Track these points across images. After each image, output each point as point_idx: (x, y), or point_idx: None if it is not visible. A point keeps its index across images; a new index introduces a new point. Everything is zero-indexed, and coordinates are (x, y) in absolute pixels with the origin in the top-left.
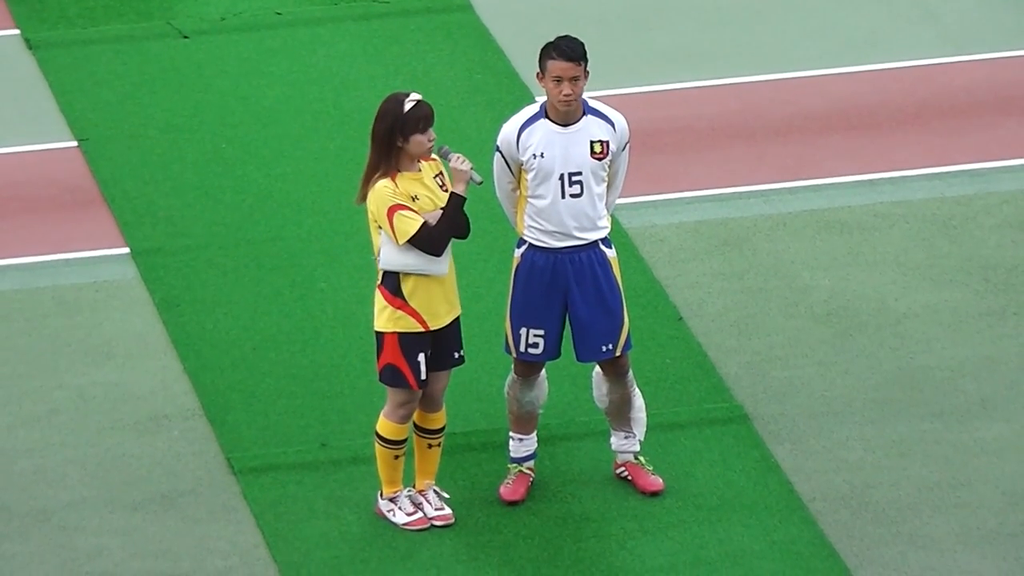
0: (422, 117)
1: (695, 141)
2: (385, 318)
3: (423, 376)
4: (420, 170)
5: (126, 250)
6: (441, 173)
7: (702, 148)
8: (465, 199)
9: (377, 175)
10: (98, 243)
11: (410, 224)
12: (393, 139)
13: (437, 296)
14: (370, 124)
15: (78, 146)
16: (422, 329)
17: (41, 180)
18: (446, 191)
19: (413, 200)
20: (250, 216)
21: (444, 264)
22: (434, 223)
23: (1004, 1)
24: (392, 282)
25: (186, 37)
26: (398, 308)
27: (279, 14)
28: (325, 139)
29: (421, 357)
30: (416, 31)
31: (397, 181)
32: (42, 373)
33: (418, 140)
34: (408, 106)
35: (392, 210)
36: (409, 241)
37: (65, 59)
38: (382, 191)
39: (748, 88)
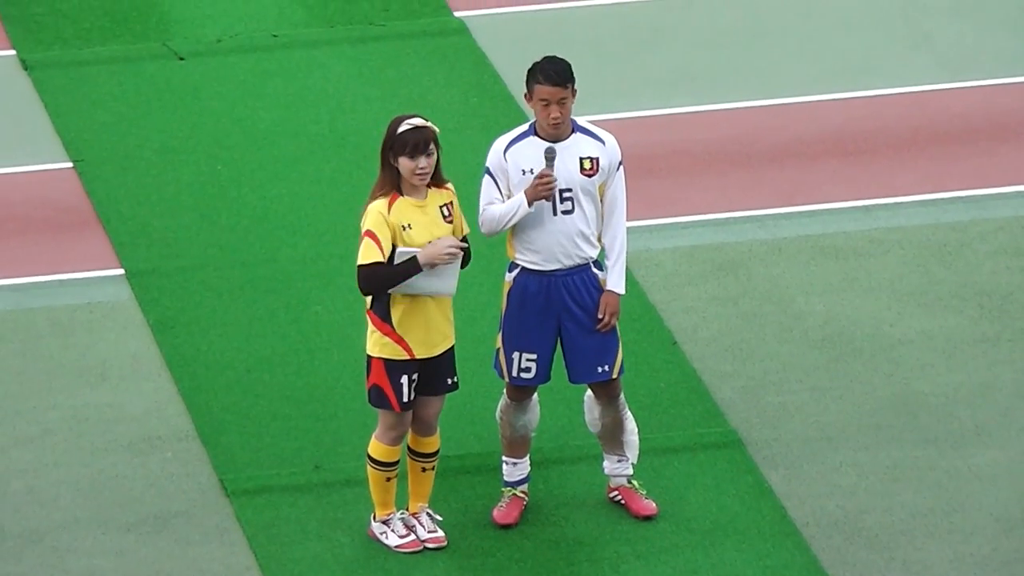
0: (411, 142)
1: (691, 166)
2: (373, 342)
3: (405, 398)
4: (426, 197)
5: (121, 271)
6: (449, 204)
7: (697, 173)
8: (420, 271)
9: (378, 194)
10: (93, 264)
11: (368, 255)
12: (388, 160)
13: (425, 325)
14: (365, 146)
15: (73, 167)
16: (407, 357)
17: (36, 201)
18: (450, 222)
19: (403, 229)
20: (245, 238)
21: (451, 283)
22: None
23: (1000, 28)
24: (381, 307)
25: (182, 59)
26: (385, 334)
27: (275, 36)
28: (321, 161)
29: (404, 379)
30: (412, 54)
31: (394, 205)
32: (36, 394)
33: (405, 164)
34: (402, 128)
35: (365, 233)
36: (358, 267)
37: (61, 80)
38: (371, 211)
39: (744, 113)
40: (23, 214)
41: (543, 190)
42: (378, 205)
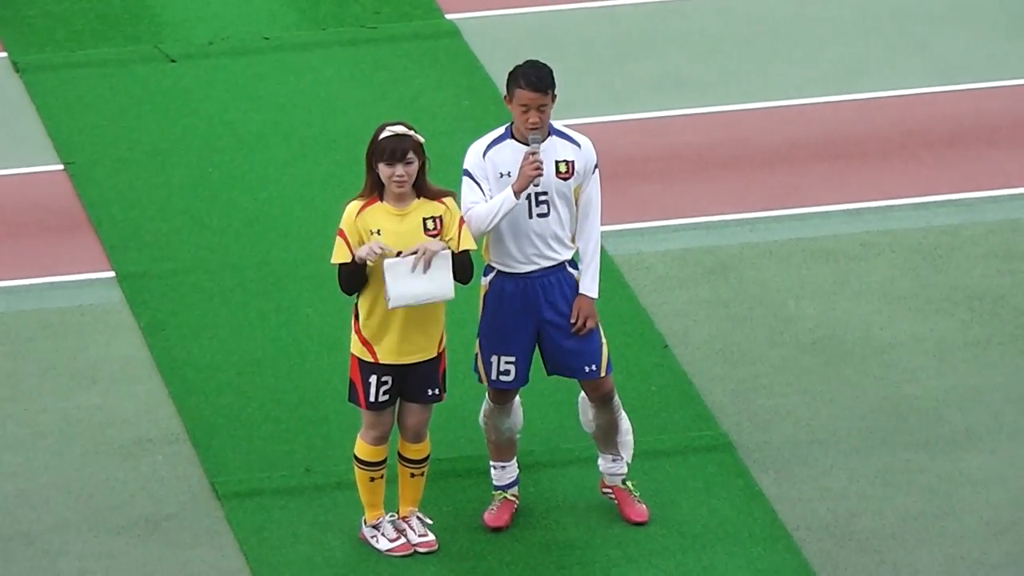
0: (389, 149)
1: (682, 169)
2: (352, 337)
3: (373, 398)
4: (408, 205)
5: (112, 274)
6: (438, 217)
7: (689, 176)
8: (360, 265)
9: (359, 196)
10: (84, 267)
11: (338, 255)
12: (371, 164)
13: (390, 332)
14: (356, 149)
15: (64, 169)
16: (371, 359)
17: (27, 203)
18: (434, 235)
19: (372, 233)
20: (236, 240)
21: (444, 286)
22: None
23: (991, 31)
24: (356, 306)
25: (173, 61)
26: (356, 332)
27: (267, 39)
28: (312, 164)
29: (372, 380)
30: (404, 57)
31: (368, 209)
32: (27, 396)
33: (383, 170)
34: (382, 135)
35: (338, 232)
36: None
37: (52, 82)
38: (345, 212)
39: (735, 116)
40: (14, 216)
41: (531, 170)
42: (352, 206)
